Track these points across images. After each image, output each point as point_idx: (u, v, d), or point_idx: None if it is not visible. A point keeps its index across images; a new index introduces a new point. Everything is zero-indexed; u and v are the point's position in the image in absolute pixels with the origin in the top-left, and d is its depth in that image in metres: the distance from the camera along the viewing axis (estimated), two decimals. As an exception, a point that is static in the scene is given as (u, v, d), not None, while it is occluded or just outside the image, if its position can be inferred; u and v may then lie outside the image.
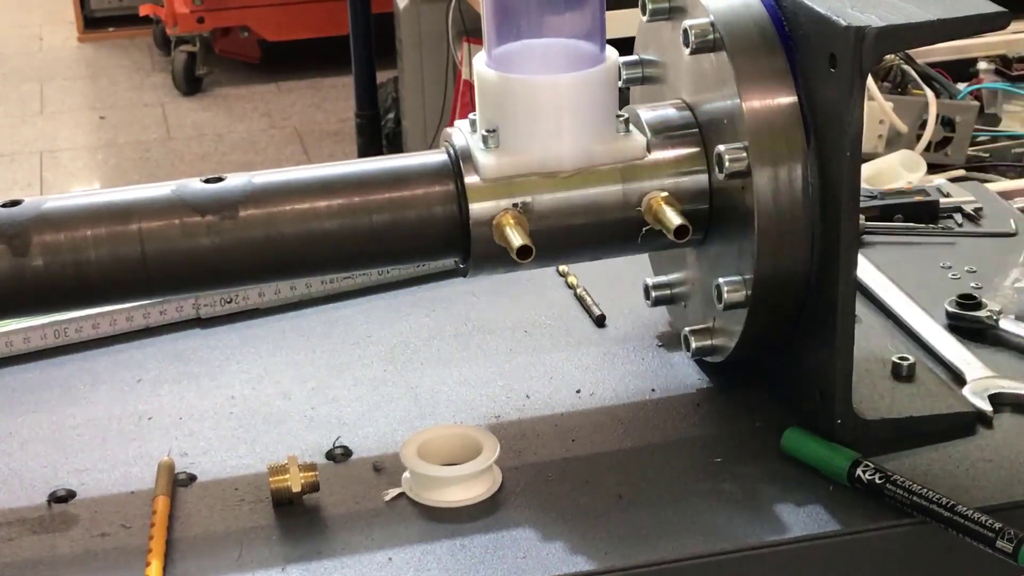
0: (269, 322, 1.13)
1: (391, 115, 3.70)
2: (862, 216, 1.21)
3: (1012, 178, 1.68)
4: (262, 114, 4.50)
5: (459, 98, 3.29)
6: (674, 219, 0.91)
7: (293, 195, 0.91)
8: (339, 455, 0.95)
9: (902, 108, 1.74)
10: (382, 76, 3.50)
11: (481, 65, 0.94)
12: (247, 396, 1.02)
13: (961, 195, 1.28)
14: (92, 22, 5.29)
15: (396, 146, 3.61)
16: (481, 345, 1.08)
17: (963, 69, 1.94)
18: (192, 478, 0.93)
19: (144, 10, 4.77)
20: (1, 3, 5.65)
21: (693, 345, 0.98)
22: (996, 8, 0.86)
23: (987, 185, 1.41)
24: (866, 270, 1.13)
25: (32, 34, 5.37)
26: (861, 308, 1.02)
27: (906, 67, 1.82)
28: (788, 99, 0.89)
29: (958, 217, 1.25)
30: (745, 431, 0.95)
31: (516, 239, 0.90)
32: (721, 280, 0.92)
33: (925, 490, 0.84)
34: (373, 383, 1.03)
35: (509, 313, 1.12)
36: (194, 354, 1.09)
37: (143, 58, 5.06)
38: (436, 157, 0.94)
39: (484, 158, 0.92)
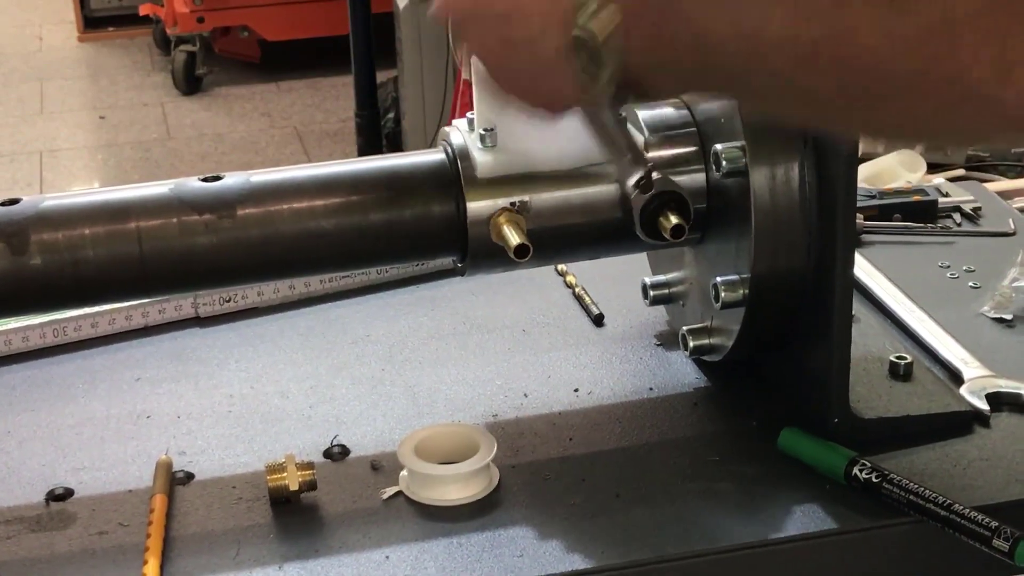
0: (267, 321, 1.13)
1: (391, 115, 3.71)
2: (861, 215, 1.21)
3: (1012, 178, 1.68)
4: (262, 114, 4.50)
5: (459, 98, 3.30)
6: (672, 220, 0.91)
7: (291, 194, 0.91)
8: (337, 454, 0.95)
9: (901, 108, 1.74)
10: (382, 76, 3.50)
11: (479, 64, 0.94)
12: (245, 395, 1.02)
13: (960, 195, 1.28)
14: (92, 22, 5.30)
15: (396, 146, 3.62)
16: (479, 344, 1.08)
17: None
18: (190, 476, 0.93)
19: (144, 10, 4.78)
20: (1, 3, 5.65)
21: (691, 344, 0.98)
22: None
23: (987, 184, 1.41)
24: (864, 269, 1.13)
25: (32, 34, 5.37)
26: (859, 307, 1.02)
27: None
28: (785, 98, 0.89)
29: (957, 217, 1.25)
30: (742, 430, 0.95)
31: (513, 238, 0.90)
32: (718, 279, 0.92)
33: (922, 489, 0.84)
34: (371, 382, 1.03)
35: (507, 312, 1.12)
36: (193, 353, 1.09)
37: (143, 58, 5.06)
38: (434, 156, 0.94)
39: (482, 157, 0.92)
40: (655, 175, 0.88)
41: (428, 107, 3.49)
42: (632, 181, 0.89)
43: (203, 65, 4.64)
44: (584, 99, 0.76)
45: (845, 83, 0.64)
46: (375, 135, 3.49)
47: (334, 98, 4.53)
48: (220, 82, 4.72)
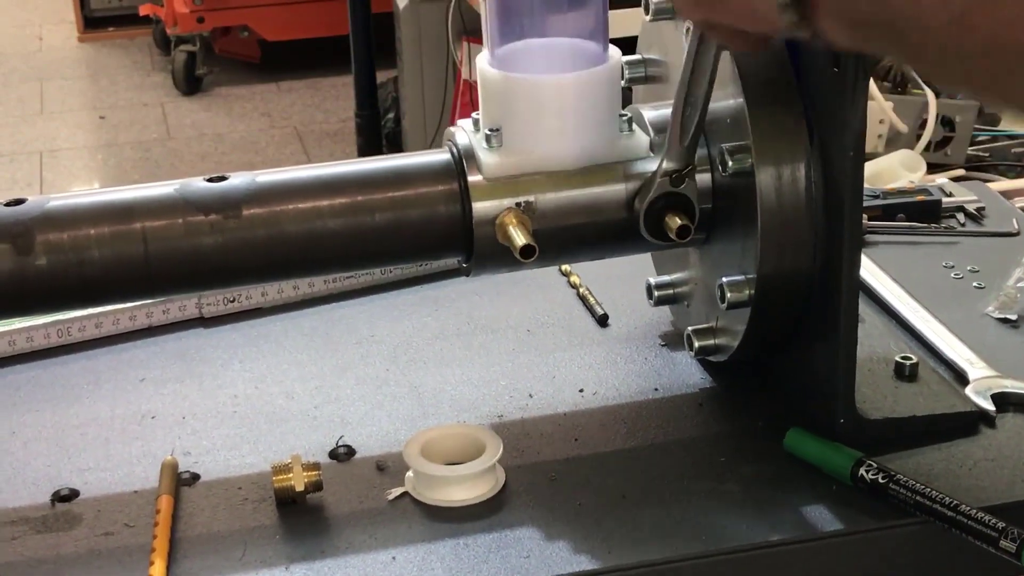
0: (272, 321, 1.13)
1: (391, 115, 3.71)
2: (865, 215, 1.21)
3: (1012, 178, 1.68)
4: (262, 114, 4.50)
5: (459, 98, 3.30)
6: (677, 220, 0.91)
7: (296, 194, 0.91)
8: (342, 454, 0.95)
9: (902, 108, 1.74)
10: (382, 76, 3.50)
11: (484, 64, 0.94)
12: (250, 395, 1.02)
13: (964, 195, 1.28)
14: (92, 22, 5.30)
15: (396, 146, 3.62)
16: (484, 344, 1.08)
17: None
18: (195, 477, 0.93)
19: (144, 10, 4.78)
20: (1, 3, 5.65)
21: (696, 345, 0.98)
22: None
23: (988, 185, 1.41)
24: (868, 269, 1.13)
25: (32, 34, 5.37)
26: (864, 308, 1.02)
27: (906, 66, 1.82)
28: (791, 98, 0.89)
29: (960, 217, 1.25)
30: (748, 431, 0.95)
31: (519, 238, 0.90)
32: (724, 280, 0.92)
33: (928, 490, 0.84)
34: (376, 382, 1.03)
35: (512, 312, 1.12)
36: (197, 353, 1.09)
37: (143, 58, 5.06)
38: (439, 156, 0.94)
39: (487, 157, 0.92)
40: (687, 180, 0.89)
41: (428, 107, 3.49)
42: (669, 166, 0.90)
43: (203, 65, 4.64)
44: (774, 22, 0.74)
45: (987, 54, 0.65)
46: (375, 135, 3.49)
47: (334, 98, 4.53)
48: (220, 82, 4.72)
